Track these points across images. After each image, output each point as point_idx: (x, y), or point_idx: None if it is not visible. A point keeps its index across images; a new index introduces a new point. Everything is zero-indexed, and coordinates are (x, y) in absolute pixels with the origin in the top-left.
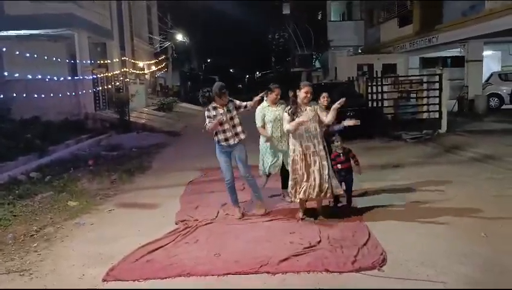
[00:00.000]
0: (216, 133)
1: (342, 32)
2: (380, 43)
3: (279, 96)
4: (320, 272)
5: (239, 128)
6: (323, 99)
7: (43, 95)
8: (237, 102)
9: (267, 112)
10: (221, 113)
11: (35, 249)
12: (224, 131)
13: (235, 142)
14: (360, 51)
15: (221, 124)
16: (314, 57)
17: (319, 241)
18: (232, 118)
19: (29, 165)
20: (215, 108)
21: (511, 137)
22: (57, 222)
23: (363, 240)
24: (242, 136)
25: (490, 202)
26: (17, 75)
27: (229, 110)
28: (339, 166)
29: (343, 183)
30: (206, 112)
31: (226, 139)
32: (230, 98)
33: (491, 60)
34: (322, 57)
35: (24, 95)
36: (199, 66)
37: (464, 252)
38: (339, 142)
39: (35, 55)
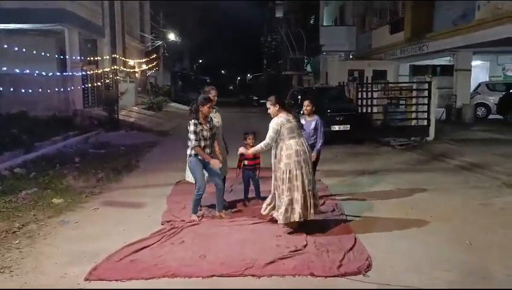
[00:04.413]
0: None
1: (334, 37)
2: (371, 49)
3: (215, 98)
4: (306, 276)
5: (212, 148)
6: (304, 107)
7: (30, 90)
8: (213, 123)
9: None
10: (205, 129)
11: (17, 246)
12: (204, 147)
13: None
14: (351, 57)
15: (205, 139)
16: (305, 60)
17: (305, 245)
18: (211, 137)
19: (14, 161)
20: (200, 124)
21: (498, 146)
22: (40, 219)
23: (349, 245)
24: (212, 156)
25: (476, 210)
26: (4, 68)
27: (211, 128)
28: (246, 162)
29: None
30: (192, 126)
31: None
32: (210, 117)
33: (479, 70)
34: (314, 61)
35: (11, 89)
36: (190, 66)
37: (449, 259)
38: (251, 140)
39: (24, 50)
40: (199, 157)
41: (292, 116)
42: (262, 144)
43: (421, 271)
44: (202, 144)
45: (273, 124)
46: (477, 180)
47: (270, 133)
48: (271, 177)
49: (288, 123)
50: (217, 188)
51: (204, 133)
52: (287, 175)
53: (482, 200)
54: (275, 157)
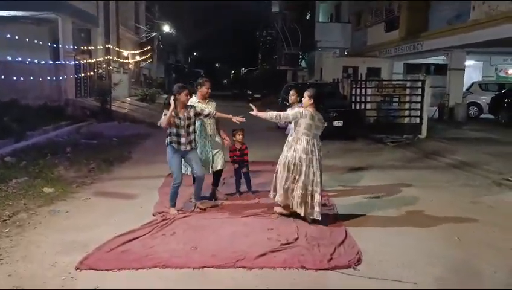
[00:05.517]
0: (170, 134)
1: (329, 33)
2: (366, 46)
3: (209, 91)
4: (296, 269)
5: (192, 136)
6: (290, 96)
7: (22, 78)
8: (198, 109)
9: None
10: (181, 118)
11: (7, 235)
12: (178, 135)
13: (187, 149)
14: (346, 53)
15: (177, 127)
16: (300, 56)
17: (296, 239)
18: (188, 125)
19: (5, 150)
20: (176, 113)
21: (489, 145)
22: (30, 208)
23: (340, 239)
24: (193, 145)
25: (465, 207)
26: None
27: (188, 118)
28: (235, 158)
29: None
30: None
31: (179, 143)
32: (191, 105)
33: (472, 70)
34: (308, 57)
35: (2, 77)
36: (185, 59)
37: (437, 255)
38: (240, 136)
39: (16, 37)
40: (174, 145)
41: (318, 118)
42: (273, 113)
43: (410, 266)
44: (174, 130)
45: (296, 109)
46: (467, 178)
47: (289, 114)
48: (262, 171)
49: (310, 120)
50: (196, 177)
51: (176, 120)
52: (287, 165)
53: (472, 198)
54: (286, 145)
